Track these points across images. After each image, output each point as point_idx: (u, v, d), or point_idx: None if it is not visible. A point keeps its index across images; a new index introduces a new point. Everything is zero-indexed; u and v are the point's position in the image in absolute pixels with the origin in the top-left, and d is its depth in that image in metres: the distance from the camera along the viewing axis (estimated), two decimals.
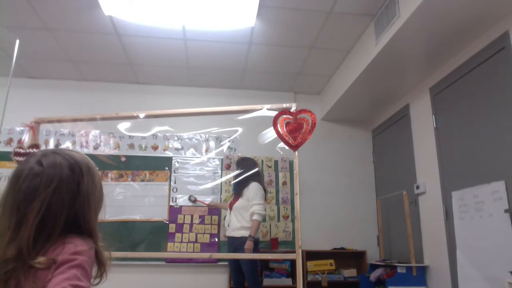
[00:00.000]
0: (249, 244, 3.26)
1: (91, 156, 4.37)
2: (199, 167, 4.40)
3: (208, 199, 4.25)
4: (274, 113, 2.61)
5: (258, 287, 3.44)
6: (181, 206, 4.24)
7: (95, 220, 1.00)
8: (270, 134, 2.68)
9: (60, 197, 0.92)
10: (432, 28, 2.83)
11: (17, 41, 2.77)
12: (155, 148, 4.46)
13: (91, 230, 0.98)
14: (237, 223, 3.44)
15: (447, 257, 3.20)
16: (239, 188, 3.56)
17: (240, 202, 3.49)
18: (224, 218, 4.18)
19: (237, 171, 3.64)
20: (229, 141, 4.53)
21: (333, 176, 4.63)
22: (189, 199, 4.23)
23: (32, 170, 0.93)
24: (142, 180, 4.29)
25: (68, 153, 1.01)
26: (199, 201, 4.21)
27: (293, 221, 4.28)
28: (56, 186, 0.92)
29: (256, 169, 3.63)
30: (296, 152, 2.57)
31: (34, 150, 2.81)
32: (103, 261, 0.98)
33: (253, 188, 3.46)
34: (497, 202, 2.65)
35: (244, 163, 3.68)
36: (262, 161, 4.47)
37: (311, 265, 4.08)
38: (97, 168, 1.07)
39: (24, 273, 0.85)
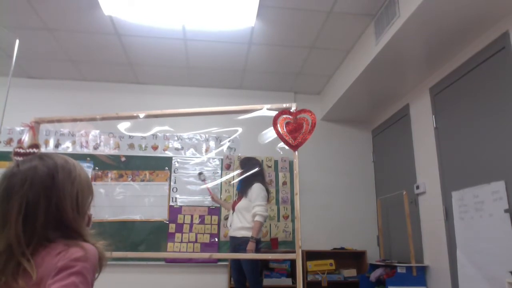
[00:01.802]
0: (251, 245, 3.26)
1: (91, 156, 4.33)
2: (199, 167, 4.40)
3: (206, 201, 4.26)
4: (274, 113, 2.61)
5: (258, 287, 3.44)
6: (181, 206, 4.24)
7: (77, 217, 1.01)
8: (270, 134, 2.68)
9: (36, 192, 0.96)
10: (432, 28, 2.83)
11: (17, 41, 2.76)
12: (155, 148, 4.46)
13: (74, 228, 0.99)
14: (239, 223, 3.45)
15: (447, 257, 3.20)
16: (243, 188, 3.57)
17: (243, 203, 3.50)
18: (225, 218, 4.19)
19: (241, 171, 3.64)
20: (229, 141, 4.53)
21: (333, 176, 4.63)
22: (199, 177, 4.10)
23: (9, 172, 1.00)
24: (142, 180, 4.29)
25: (45, 154, 1.07)
26: (208, 188, 4.11)
27: (293, 221, 4.28)
28: (31, 182, 0.96)
29: (260, 170, 3.63)
30: (296, 152, 2.57)
31: (34, 150, 2.81)
32: (101, 261, 1.00)
33: (256, 189, 3.46)
34: (497, 202, 2.65)
35: (250, 163, 3.68)
36: (262, 161, 4.46)
37: (311, 265, 4.08)
38: (82, 167, 1.09)
39: (12, 269, 0.87)
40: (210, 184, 4.30)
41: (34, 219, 0.94)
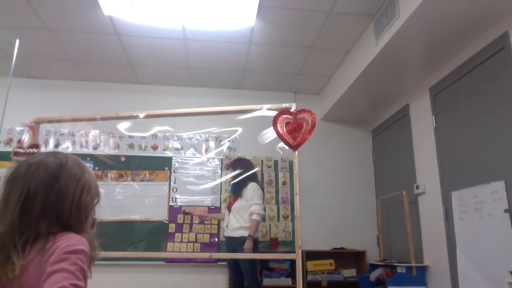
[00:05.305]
0: (248, 244, 3.26)
1: (91, 156, 4.33)
2: (199, 167, 4.40)
3: (206, 201, 4.26)
4: (274, 113, 2.61)
5: (257, 287, 3.44)
6: (181, 206, 4.24)
7: (78, 215, 1.01)
8: (270, 134, 2.68)
9: (39, 181, 0.97)
10: (432, 28, 2.83)
11: (17, 41, 2.76)
12: (155, 148, 4.46)
13: (71, 224, 0.98)
14: (236, 223, 3.44)
15: (447, 257, 3.20)
16: (237, 189, 3.56)
17: (239, 203, 3.49)
18: None
19: (235, 172, 3.63)
20: (229, 141, 4.53)
21: (333, 176, 4.63)
22: (183, 212, 4.15)
23: (20, 162, 1.03)
24: (142, 180, 4.29)
25: (59, 152, 1.09)
26: (193, 214, 4.15)
27: (293, 221, 4.28)
28: (36, 171, 0.98)
29: (254, 169, 3.63)
30: (296, 152, 2.57)
31: (34, 150, 2.81)
32: (93, 257, 1.02)
33: (252, 188, 3.46)
34: (497, 202, 2.65)
35: (241, 163, 3.68)
36: (262, 161, 4.47)
37: (311, 265, 4.08)
38: (90, 170, 1.12)
39: (1, 260, 0.88)
40: (209, 185, 4.31)
41: (31, 208, 0.95)
